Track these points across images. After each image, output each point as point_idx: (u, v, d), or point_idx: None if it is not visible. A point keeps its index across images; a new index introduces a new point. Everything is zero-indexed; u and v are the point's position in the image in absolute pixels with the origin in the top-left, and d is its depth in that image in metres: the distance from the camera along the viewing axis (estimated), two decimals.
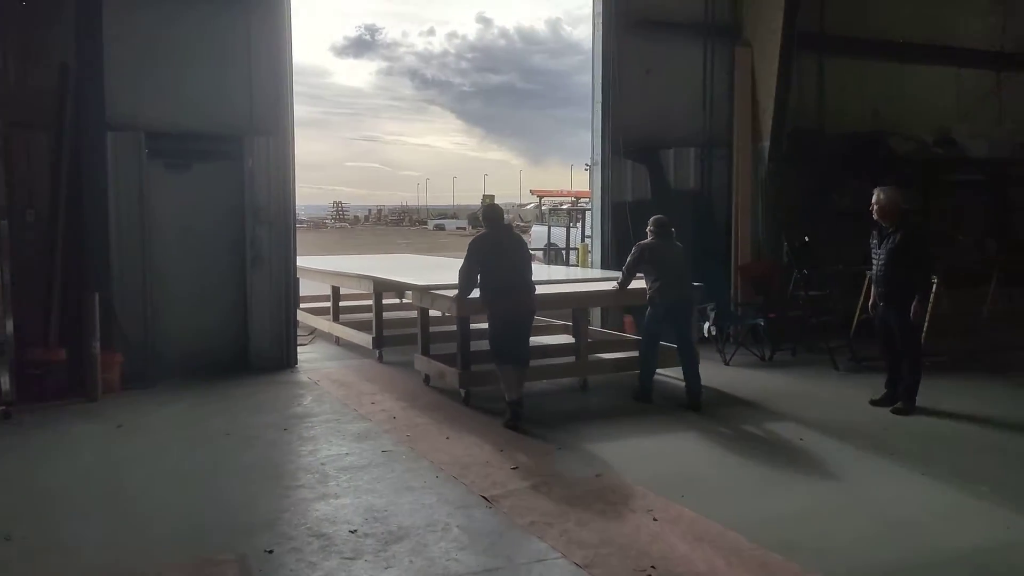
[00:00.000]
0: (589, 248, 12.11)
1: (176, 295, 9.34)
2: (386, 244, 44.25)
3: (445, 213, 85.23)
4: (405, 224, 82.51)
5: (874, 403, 7.75)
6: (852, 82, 12.45)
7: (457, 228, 68.86)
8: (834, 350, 9.59)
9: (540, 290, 7.52)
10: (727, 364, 9.79)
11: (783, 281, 10.69)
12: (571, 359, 8.86)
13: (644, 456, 6.37)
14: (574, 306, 8.98)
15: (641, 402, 7.85)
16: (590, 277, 9.89)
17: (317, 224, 79.69)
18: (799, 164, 11.54)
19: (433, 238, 55.77)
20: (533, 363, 7.60)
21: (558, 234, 17.22)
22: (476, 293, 7.28)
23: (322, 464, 6.14)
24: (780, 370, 9.67)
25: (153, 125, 9.14)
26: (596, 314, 11.10)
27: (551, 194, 22.30)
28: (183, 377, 8.92)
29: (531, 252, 7.65)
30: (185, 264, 9.39)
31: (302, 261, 10.67)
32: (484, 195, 76.31)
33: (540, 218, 22.69)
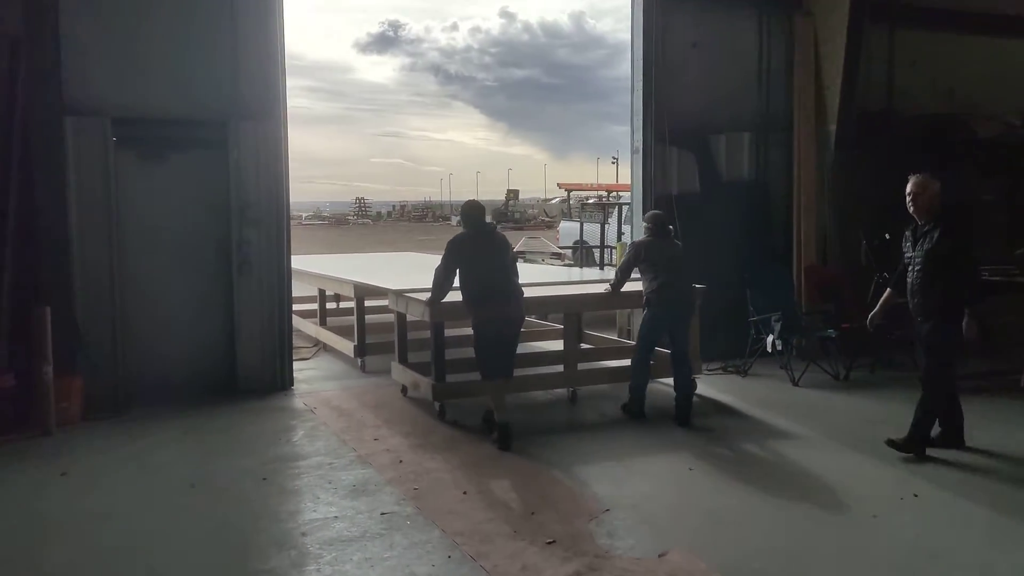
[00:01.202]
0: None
1: (150, 308, 8.03)
2: (407, 241, 42.97)
3: None
4: (428, 220, 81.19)
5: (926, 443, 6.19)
6: (926, 57, 10.88)
7: None
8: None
9: (526, 293, 6.87)
10: (796, 384, 8.32)
11: (858, 286, 9.20)
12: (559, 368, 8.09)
13: (716, 519, 4.95)
14: (563, 310, 8.13)
15: (632, 417, 7.16)
16: (583, 279, 9.27)
17: (340, 221, 78.73)
18: (871, 150, 10.03)
19: (456, 233, 54.32)
20: (517, 372, 7.05)
21: (591, 231, 15.71)
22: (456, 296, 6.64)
23: (303, 535, 4.76)
24: (859, 392, 8.18)
25: (121, 109, 7.81)
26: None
27: (579, 187, 20.87)
28: (159, 403, 7.63)
29: (516, 254, 6.95)
30: (161, 271, 8.07)
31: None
32: (508, 189, 75.07)
33: (567, 213, 21.22)
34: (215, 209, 8.21)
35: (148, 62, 7.93)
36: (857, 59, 9.97)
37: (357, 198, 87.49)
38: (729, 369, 9.00)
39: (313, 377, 9.15)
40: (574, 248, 17.14)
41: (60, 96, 7.51)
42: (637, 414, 7.16)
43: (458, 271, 6.50)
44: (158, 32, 7.96)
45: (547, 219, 48.32)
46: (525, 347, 9.21)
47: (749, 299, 8.98)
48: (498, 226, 7.02)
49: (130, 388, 7.73)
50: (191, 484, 5.64)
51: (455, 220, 73.75)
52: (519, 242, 15.99)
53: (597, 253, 15.46)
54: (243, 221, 8.22)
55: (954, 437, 6.24)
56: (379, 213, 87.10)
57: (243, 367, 8.31)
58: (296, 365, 9.70)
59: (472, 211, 6.75)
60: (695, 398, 7.33)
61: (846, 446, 6.38)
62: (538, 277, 9.18)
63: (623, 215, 12.47)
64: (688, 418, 6.96)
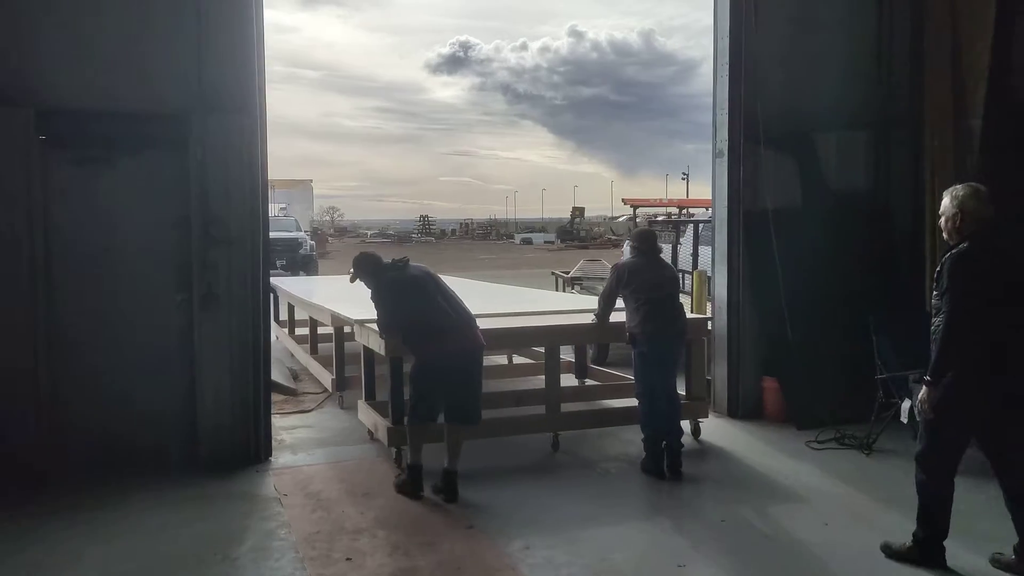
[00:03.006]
0: (709, 273, 8.50)
1: (87, 352, 6.22)
2: (464, 259, 41.24)
3: (533, 227, 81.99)
4: (492, 238, 79.68)
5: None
6: None
7: (545, 242, 65.55)
8: None
9: (503, 323, 6.72)
10: None
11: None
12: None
13: None
14: (542, 343, 7.25)
15: (650, 475, 6.12)
16: (566, 308, 8.15)
17: (403, 239, 78.05)
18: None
19: (519, 253, 52.52)
20: (492, 415, 6.45)
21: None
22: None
23: None
24: None
25: (52, 99, 6.04)
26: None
27: (646, 203, 18.78)
28: (87, 484, 5.82)
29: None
30: (100, 308, 6.26)
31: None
32: (574, 207, 73.24)
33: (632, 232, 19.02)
34: (173, 226, 6.36)
35: (92, 42, 6.15)
36: (1010, 36, 7.67)
37: (421, 216, 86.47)
38: (847, 441, 6.78)
39: (303, 440, 7.22)
40: None
41: None
42: (655, 471, 6.11)
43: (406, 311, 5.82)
44: (106, 5, 6.18)
45: (614, 237, 46.13)
46: (508, 384, 8.65)
47: (877, 351, 6.77)
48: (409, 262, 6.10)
49: (49, 464, 5.90)
50: None
51: (519, 239, 72.54)
52: (575, 266, 13.86)
53: None
54: (208, 241, 6.35)
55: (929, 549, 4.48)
56: (443, 231, 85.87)
57: (206, 433, 6.41)
58: (290, 421, 7.85)
59: (368, 262, 6.02)
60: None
61: None
62: (527, 305, 8.61)
63: (699, 234, 10.27)
64: (680, 467, 6.07)
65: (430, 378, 5.67)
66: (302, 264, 28.31)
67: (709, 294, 8.48)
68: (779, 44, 7.79)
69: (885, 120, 8.10)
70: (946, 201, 4.44)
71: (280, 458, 6.62)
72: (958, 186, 4.46)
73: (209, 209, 6.35)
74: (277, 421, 7.86)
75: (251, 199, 6.44)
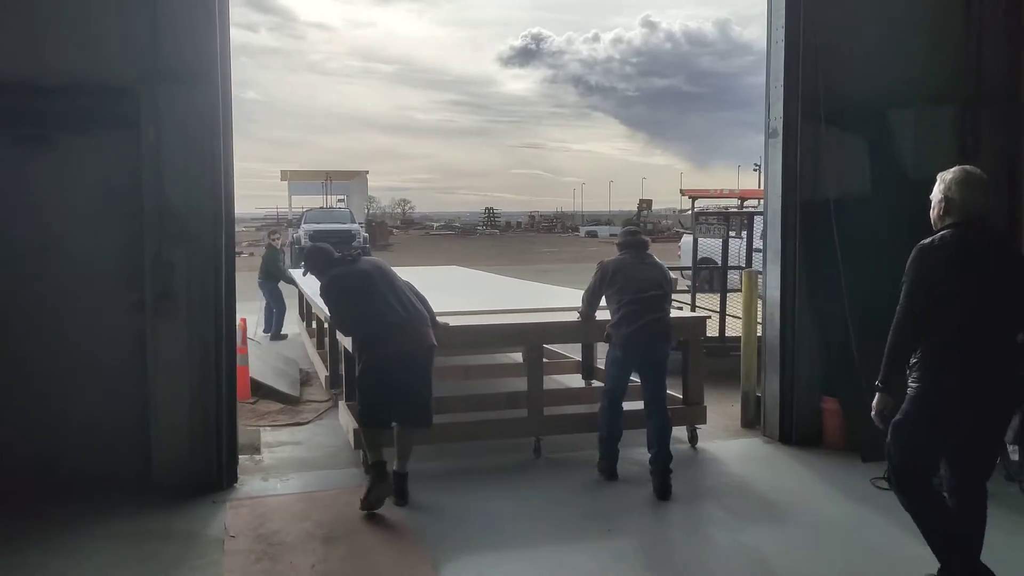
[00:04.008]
0: (761, 272, 7.29)
1: (24, 362, 5.43)
2: (527, 253, 40.29)
3: (599, 219, 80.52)
4: (557, 230, 78.58)
5: None
6: None
7: (610, 235, 64.13)
8: None
9: (481, 320, 6.64)
10: None
11: None
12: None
13: None
14: (523, 342, 6.88)
15: (605, 478, 5.90)
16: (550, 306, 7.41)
17: (468, 231, 77.68)
18: None
19: (582, 246, 51.29)
20: (470, 418, 6.52)
21: (717, 248, 12.09)
22: None
23: None
24: None
25: None
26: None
27: (704, 194, 17.45)
28: (25, 511, 5.01)
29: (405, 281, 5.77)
30: (40, 307, 5.45)
31: None
32: (641, 199, 71.52)
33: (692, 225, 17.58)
34: (122, 218, 5.52)
35: (26, 3, 5.33)
36: None
37: (486, 208, 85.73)
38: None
39: (283, 461, 6.32)
40: (688, 270, 13.68)
41: None
42: (609, 474, 5.89)
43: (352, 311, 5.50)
44: None
45: (681, 230, 44.67)
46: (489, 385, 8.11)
47: None
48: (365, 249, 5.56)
49: None
50: None
51: (583, 231, 71.21)
52: None
53: (715, 278, 11.92)
54: (163, 234, 5.49)
55: None
56: (508, 223, 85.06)
57: (160, 456, 5.56)
58: (280, 435, 7.01)
59: (315, 256, 5.67)
60: None
61: None
62: (518, 301, 8.00)
63: (752, 228, 9.06)
64: (669, 488, 5.53)
65: (374, 379, 5.32)
66: None
67: (761, 297, 7.30)
68: (847, 3, 6.58)
69: (974, 96, 6.81)
70: (937, 186, 3.93)
71: (247, 485, 5.73)
72: (950, 169, 3.93)
73: (163, 196, 5.48)
74: (266, 435, 7.07)
75: (211, 184, 5.54)
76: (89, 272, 5.51)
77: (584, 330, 6.62)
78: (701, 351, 6.74)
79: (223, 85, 5.55)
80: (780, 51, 6.59)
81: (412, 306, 5.50)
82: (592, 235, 65.21)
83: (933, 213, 3.89)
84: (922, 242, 3.77)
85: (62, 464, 5.39)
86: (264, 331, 12.67)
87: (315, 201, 34.53)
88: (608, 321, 5.85)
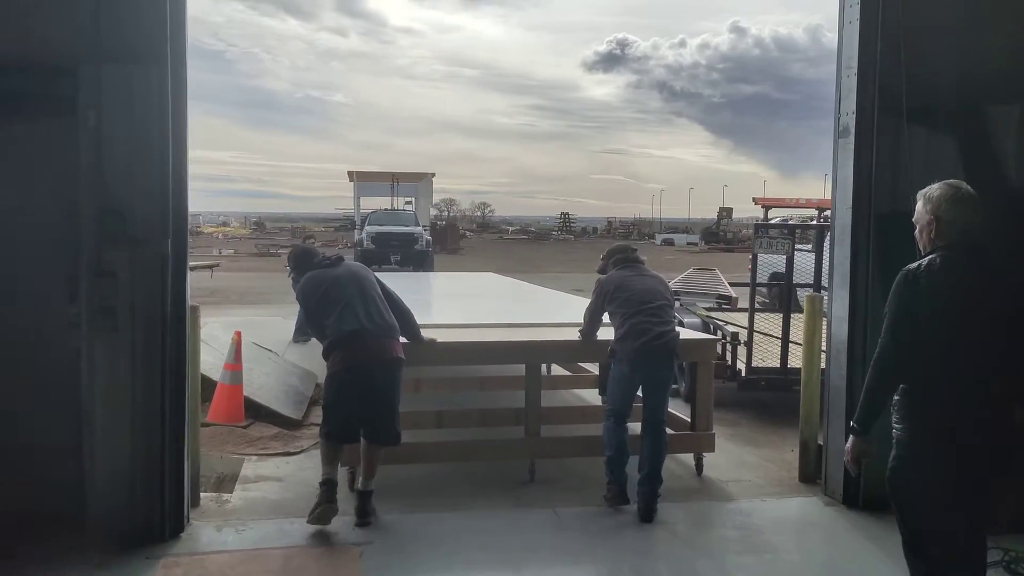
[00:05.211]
0: (824, 297, 6.12)
1: None
2: (597, 262, 39.09)
3: (676, 227, 78.70)
4: (633, 237, 77.14)
5: None
6: None
7: (688, 243, 62.39)
8: None
9: (472, 335, 6.45)
10: None
11: None
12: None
13: None
14: (521, 360, 6.38)
15: (615, 506, 5.43)
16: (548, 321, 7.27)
17: (542, 236, 77.00)
18: None
19: (656, 254, 49.70)
20: (456, 436, 6.20)
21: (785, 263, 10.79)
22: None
23: None
24: None
25: None
26: None
27: (779, 203, 16.15)
28: None
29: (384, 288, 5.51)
30: None
31: None
32: (721, 207, 69.60)
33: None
34: (57, 219, 4.75)
35: None
36: None
37: (561, 213, 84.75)
38: (1021, 569, 4.41)
39: (251, 504, 5.49)
40: (769, 285, 12.41)
41: None
42: (620, 499, 5.47)
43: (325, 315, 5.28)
44: None
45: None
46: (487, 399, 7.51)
47: None
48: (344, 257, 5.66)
49: None
50: None
51: (659, 239, 69.49)
52: (679, 277, 11.61)
53: (779, 295, 10.62)
54: (103, 238, 4.68)
55: None
56: (583, 229, 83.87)
57: (95, 498, 4.75)
58: (266, 467, 6.23)
59: (296, 256, 5.69)
60: None
61: None
62: (532, 314, 8.00)
63: (822, 243, 7.86)
64: (654, 512, 5.32)
65: (331, 390, 5.23)
66: (416, 260, 27.08)
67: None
68: None
69: None
70: (919, 205, 3.59)
71: (194, 536, 4.89)
72: (933, 186, 3.57)
73: (106, 195, 4.68)
74: (249, 467, 6.26)
75: (160, 181, 4.72)
76: (17, 284, 4.74)
77: (585, 349, 6.26)
78: (711, 374, 6.32)
79: (174, 64, 4.71)
80: (854, 32, 5.46)
81: (379, 317, 5.26)
82: (668, 243, 63.65)
83: (922, 237, 3.52)
84: (907, 267, 3.41)
85: None
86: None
87: (384, 203, 34.01)
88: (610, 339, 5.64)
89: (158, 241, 4.73)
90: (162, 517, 4.80)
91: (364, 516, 5.13)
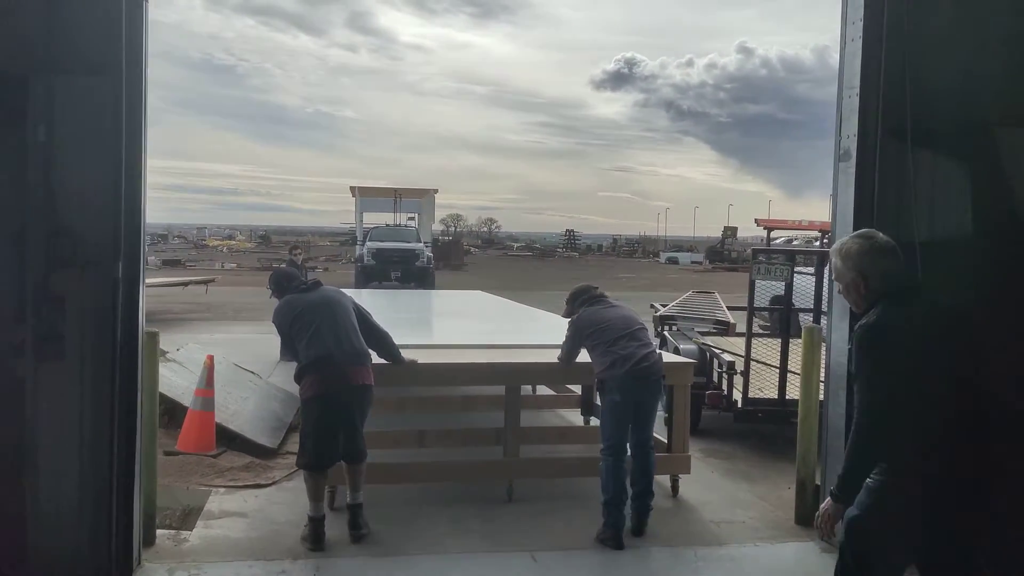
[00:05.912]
0: (824, 331, 5.79)
1: None
2: (602, 278, 38.69)
3: (681, 245, 78.41)
4: (637, 255, 76.80)
5: None
6: None
7: (692, 262, 62.11)
8: None
9: (457, 356, 6.51)
10: None
11: None
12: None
13: None
14: (500, 381, 6.37)
15: (610, 546, 5.25)
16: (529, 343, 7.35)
17: (547, 253, 76.90)
18: None
19: (660, 272, 49.60)
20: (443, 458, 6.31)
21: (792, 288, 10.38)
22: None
23: None
24: None
25: None
26: None
27: (782, 225, 15.88)
28: None
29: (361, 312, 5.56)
30: None
31: None
32: (725, 227, 69.30)
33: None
34: (5, 238, 4.45)
35: None
36: None
37: (567, 230, 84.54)
38: None
39: (210, 543, 5.16)
40: (768, 309, 12.05)
41: None
42: (615, 542, 5.27)
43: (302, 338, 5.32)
44: None
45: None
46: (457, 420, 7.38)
47: None
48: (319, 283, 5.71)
49: None
50: None
51: (664, 257, 69.16)
52: (674, 301, 11.29)
53: (778, 321, 10.23)
54: (51, 259, 4.39)
55: None
56: (588, 246, 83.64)
57: (38, 540, 4.43)
58: (232, 501, 5.92)
59: (275, 279, 5.77)
60: None
61: None
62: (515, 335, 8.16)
63: (824, 271, 7.53)
64: (645, 526, 5.47)
65: (311, 421, 5.29)
66: (417, 276, 26.81)
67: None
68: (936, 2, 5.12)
69: None
70: (836, 263, 3.47)
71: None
72: (845, 239, 3.49)
73: (55, 215, 4.39)
74: (215, 500, 5.95)
75: (115, 200, 4.42)
76: None
77: (562, 373, 6.46)
78: (687, 397, 6.39)
79: (130, 76, 4.43)
80: (856, 50, 5.16)
81: (348, 343, 5.30)
82: (672, 261, 63.43)
83: (850, 295, 3.39)
84: (863, 323, 3.25)
85: None
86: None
87: (387, 218, 33.76)
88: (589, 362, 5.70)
89: (109, 264, 4.43)
90: (109, 558, 4.48)
91: (357, 529, 5.29)
